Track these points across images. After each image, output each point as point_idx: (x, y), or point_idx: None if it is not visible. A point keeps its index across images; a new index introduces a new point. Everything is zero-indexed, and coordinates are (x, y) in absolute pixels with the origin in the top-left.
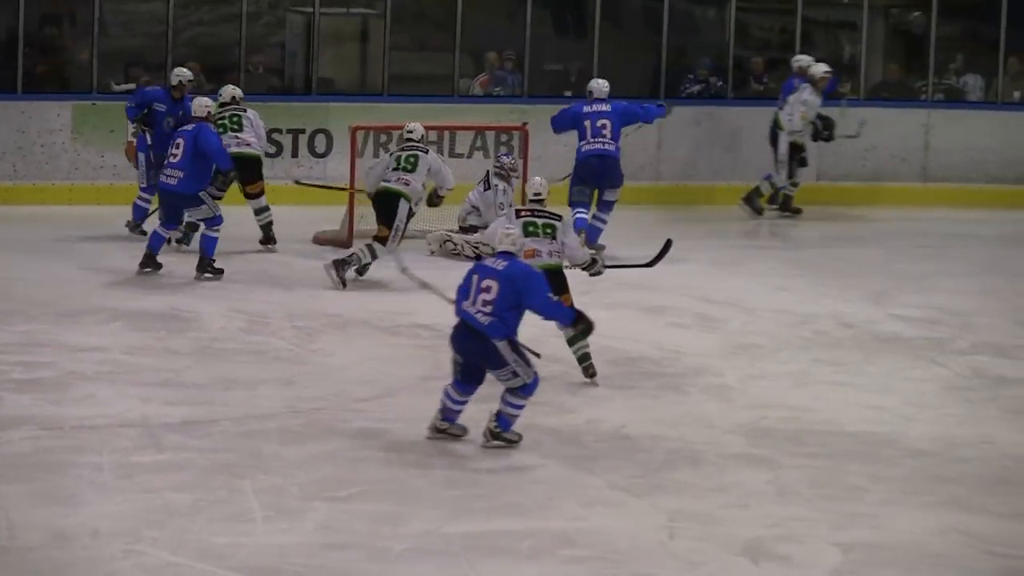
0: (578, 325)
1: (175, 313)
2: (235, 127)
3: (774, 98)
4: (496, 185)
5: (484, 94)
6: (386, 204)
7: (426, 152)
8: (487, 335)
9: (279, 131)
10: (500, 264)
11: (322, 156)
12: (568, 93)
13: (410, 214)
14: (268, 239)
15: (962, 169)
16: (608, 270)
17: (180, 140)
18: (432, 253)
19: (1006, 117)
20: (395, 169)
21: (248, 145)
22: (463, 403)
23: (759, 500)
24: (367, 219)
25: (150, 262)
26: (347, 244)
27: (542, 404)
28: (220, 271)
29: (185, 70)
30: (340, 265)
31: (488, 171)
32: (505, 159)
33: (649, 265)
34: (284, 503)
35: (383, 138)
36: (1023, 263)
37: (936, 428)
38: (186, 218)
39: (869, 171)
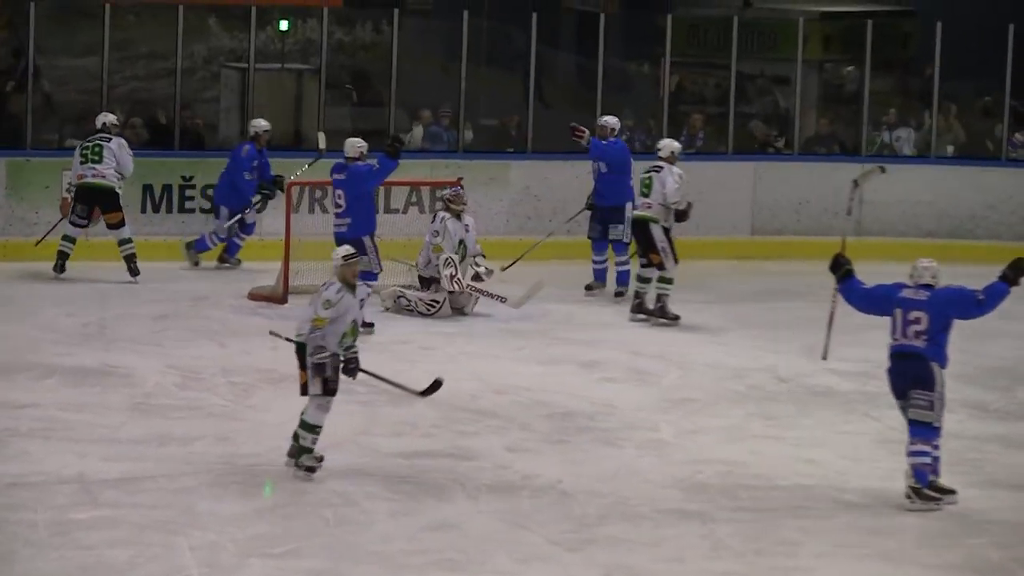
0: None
1: (109, 369)
2: (95, 158)
3: (712, 153)
4: (438, 214)
5: (418, 149)
6: None
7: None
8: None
9: (211, 187)
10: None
11: (258, 212)
12: (510, 149)
13: None
14: (131, 271)
15: (896, 223)
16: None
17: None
18: (386, 309)
19: (939, 171)
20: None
21: (103, 177)
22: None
23: (694, 555)
24: (303, 275)
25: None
26: (282, 300)
27: (476, 459)
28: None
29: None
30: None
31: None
32: (447, 191)
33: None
34: (219, 560)
35: (319, 193)
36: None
37: (870, 481)
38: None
39: (803, 225)
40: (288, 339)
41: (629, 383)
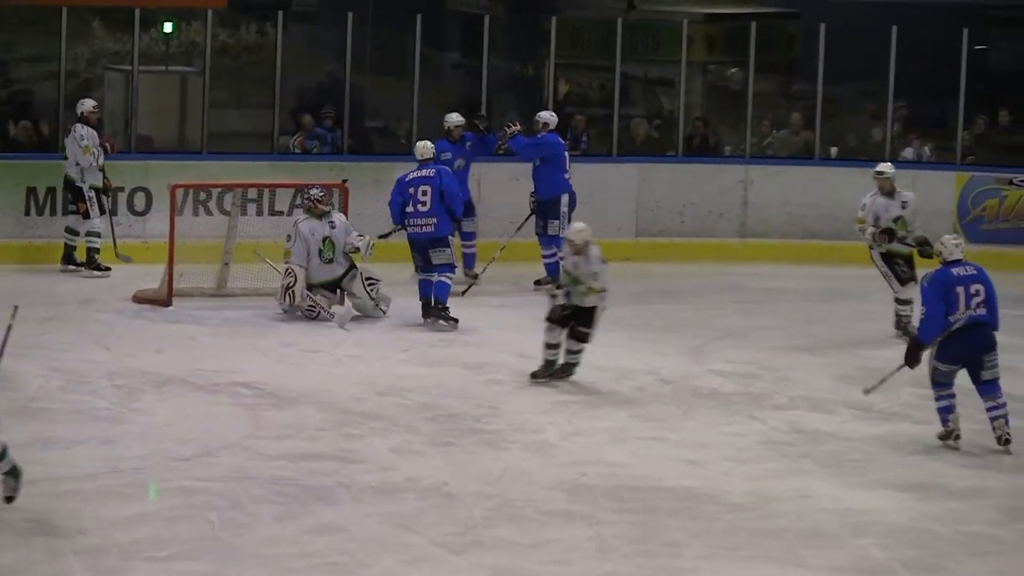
0: None
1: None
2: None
3: (597, 155)
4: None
5: (302, 151)
6: None
7: None
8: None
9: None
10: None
11: (142, 214)
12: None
13: None
14: (89, 263)
15: (779, 224)
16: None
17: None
18: (285, 312)
19: (823, 172)
20: None
21: (66, 170)
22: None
23: (579, 556)
24: (187, 277)
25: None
26: (167, 302)
27: (361, 462)
28: (455, 320)
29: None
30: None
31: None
32: (313, 191)
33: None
34: (104, 564)
35: (202, 195)
36: (839, 318)
37: (753, 483)
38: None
39: (688, 227)
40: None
41: (514, 385)
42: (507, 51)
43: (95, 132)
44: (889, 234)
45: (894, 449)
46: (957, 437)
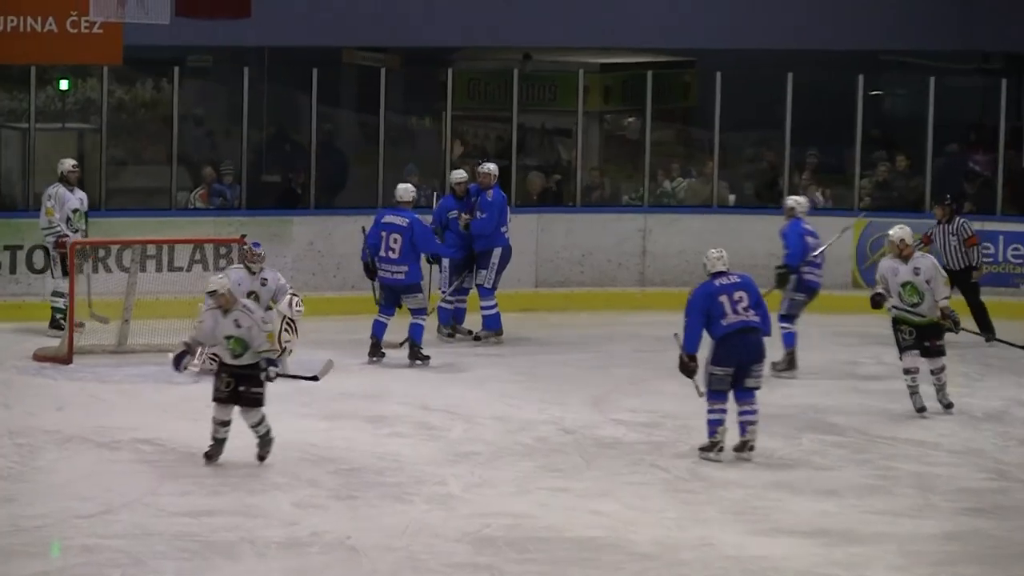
0: None
1: None
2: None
3: None
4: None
5: (205, 207)
6: None
7: None
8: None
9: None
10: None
11: (40, 272)
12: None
13: None
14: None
15: (679, 273)
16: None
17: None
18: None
19: (721, 219)
20: None
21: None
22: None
23: None
24: (87, 335)
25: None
26: (68, 360)
27: (264, 516)
28: (427, 357)
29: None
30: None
31: None
32: (252, 243)
33: (314, 379)
34: None
35: (102, 252)
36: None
37: (657, 531)
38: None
39: (587, 277)
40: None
41: (416, 437)
42: (403, 104)
43: (68, 193)
44: (876, 300)
45: (796, 494)
46: (720, 450)
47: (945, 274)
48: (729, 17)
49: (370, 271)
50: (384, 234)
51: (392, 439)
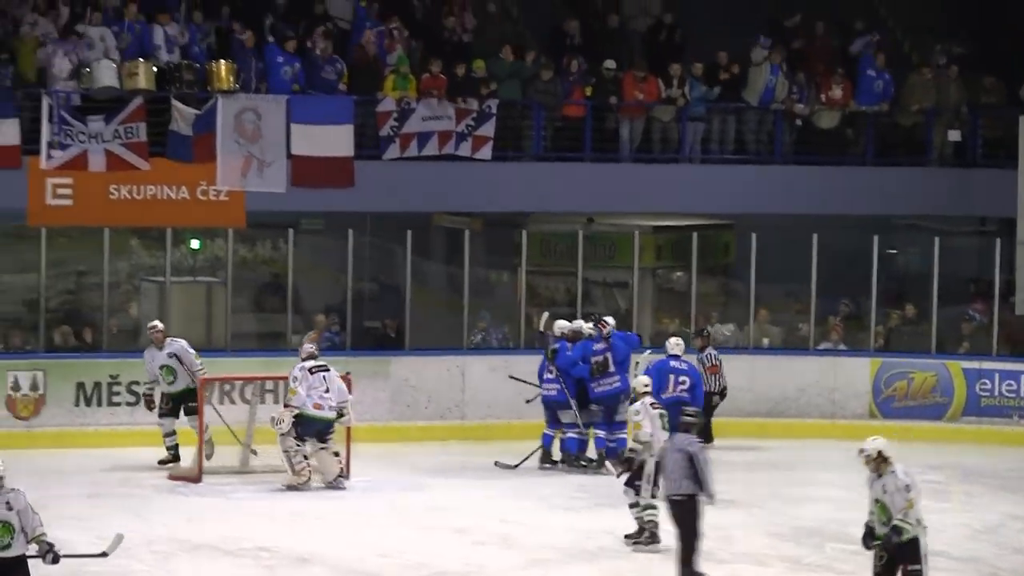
0: None
1: None
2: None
3: None
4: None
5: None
6: None
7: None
8: None
9: (137, 383)
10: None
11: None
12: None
13: None
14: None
15: (720, 406)
16: None
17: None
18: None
19: (756, 360)
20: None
21: None
22: None
23: None
24: (214, 457)
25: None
26: (198, 479)
27: None
28: (591, 461)
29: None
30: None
31: None
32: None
33: (103, 555)
34: None
35: (227, 387)
36: (770, 484)
37: None
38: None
39: None
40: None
41: (495, 545)
42: (484, 260)
43: (156, 352)
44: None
45: None
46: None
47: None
48: (762, 187)
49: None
50: (545, 362)
51: (476, 547)
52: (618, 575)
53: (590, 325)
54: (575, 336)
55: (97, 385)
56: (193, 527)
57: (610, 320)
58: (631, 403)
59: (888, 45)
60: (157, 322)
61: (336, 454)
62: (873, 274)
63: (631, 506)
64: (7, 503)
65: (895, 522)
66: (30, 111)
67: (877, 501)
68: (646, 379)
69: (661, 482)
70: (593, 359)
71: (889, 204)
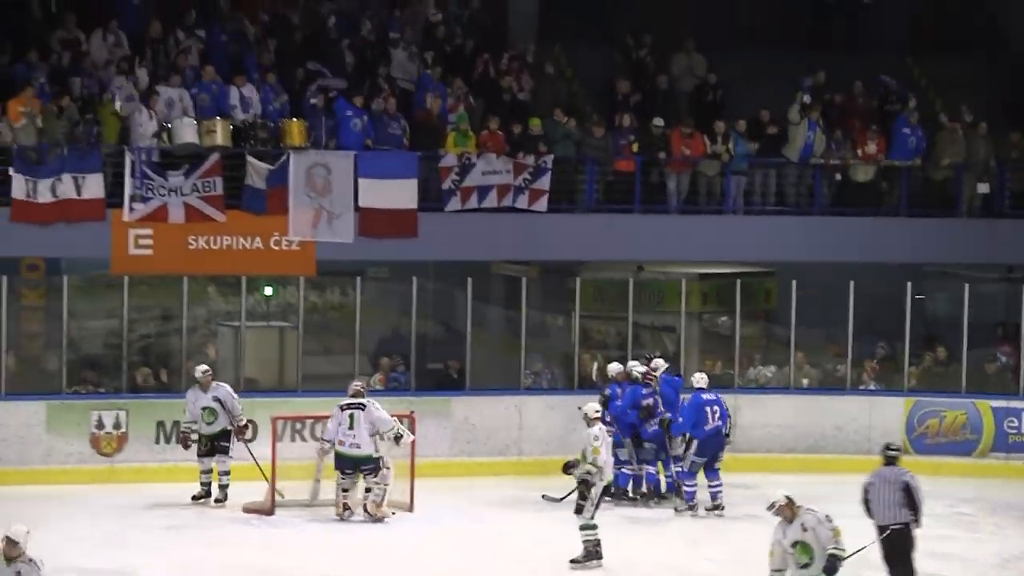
0: None
1: (127, 569)
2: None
3: None
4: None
5: (382, 389)
6: None
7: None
8: None
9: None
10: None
11: (249, 441)
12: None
13: None
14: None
15: (763, 442)
16: None
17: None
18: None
19: (798, 400)
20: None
21: None
22: None
23: None
24: (286, 491)
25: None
26: (271, 512)
27: None
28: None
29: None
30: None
31: None
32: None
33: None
34: None
35: (298, 425)
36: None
37: None
38: None
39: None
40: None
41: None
42: (540, 305)
43: (200, 394)
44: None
45: None
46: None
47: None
48: (802, 237)
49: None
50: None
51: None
52: None
53: (639, 364)
54: (625, 378)
55: (176, 424)
56: (267, 554)
57: (660, 362)
58: (588, 427)
59: (923, 105)
60: (206, 366)
61: (368, 490)
62: (906, 319)
63: (580, 528)
64: (18, 573)
65: (831, 551)
66: (113, 167)
67: (796, 543)
68: (597, 406)
69: (873, 512)
70: (643, 403)
71: (921, 253)
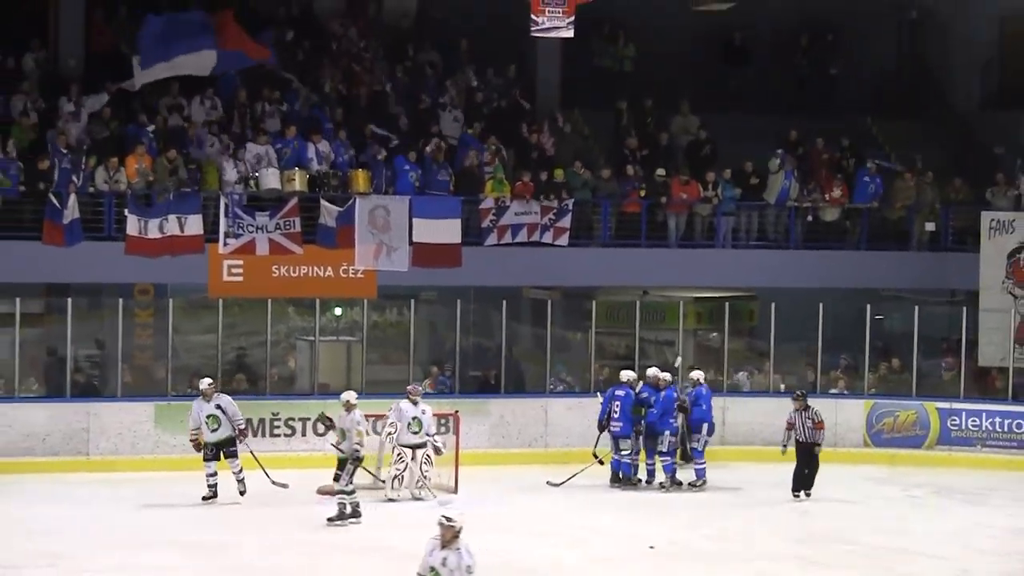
0: None
1: (217, 542)
2: (215, 424)
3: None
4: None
5: (432, 392)
6: None
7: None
8: None
9: (293, 418)
10: None
11: (322, 435)
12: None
13: None
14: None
15: (747, 435)
16: None
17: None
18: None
19: (774, 401)
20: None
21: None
22: None
23: None
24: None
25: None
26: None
27: None
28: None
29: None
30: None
31: None
32: (410, 387)
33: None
34: None
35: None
36: (786, 499)
37: None
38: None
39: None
40: None
41: (567, 547)
42: (562, 323)
43: (204, 404)
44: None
45: None
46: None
47: None
48: (779, 267)
49: (601, 426)
50: (612, 404)
51: (552, 548)
52: (672, 570)
53: (668, 374)
54: (654, 383)
55: (262, 420)
56: (340, 530)
57: (667, 376)
58: (348, 412)
59: (881, 156)
60: (208, 379)
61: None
62: (866, 335)
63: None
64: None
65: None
66: (211, 208)
67: (433, 570)
68: (353, 394)
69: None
70: (680, 402)
71: (879, 280)
